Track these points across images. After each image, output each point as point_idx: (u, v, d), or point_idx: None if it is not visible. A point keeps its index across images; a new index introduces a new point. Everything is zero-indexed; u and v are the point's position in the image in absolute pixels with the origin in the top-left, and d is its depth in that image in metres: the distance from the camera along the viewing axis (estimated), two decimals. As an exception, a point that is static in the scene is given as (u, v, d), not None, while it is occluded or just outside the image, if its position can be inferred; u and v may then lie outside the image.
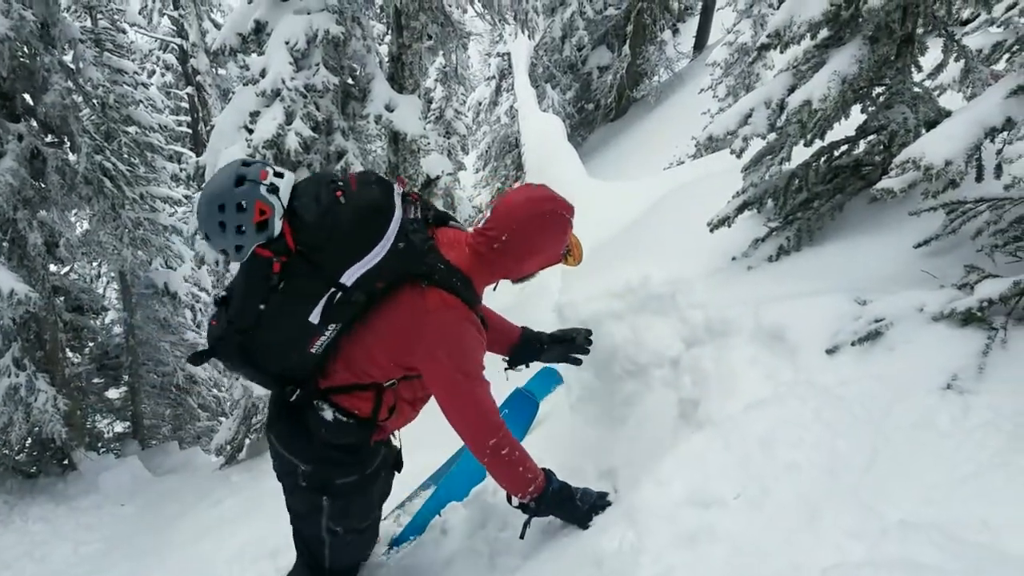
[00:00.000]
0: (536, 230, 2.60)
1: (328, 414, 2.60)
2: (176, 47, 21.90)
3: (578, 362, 3.44)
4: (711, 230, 3.49)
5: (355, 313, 2.52)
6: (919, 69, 3.18)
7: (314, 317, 2.43)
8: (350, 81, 7.49)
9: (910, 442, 2.25)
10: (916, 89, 3.06)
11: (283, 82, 6.67)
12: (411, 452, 5.16)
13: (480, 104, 20.36)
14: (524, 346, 3.31)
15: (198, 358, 2.57)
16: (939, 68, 3.20)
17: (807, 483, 2.18)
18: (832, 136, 3.45)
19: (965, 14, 3.23)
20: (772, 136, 3.41)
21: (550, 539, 3.10)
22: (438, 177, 11.89)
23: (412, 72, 7.61)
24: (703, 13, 20.27)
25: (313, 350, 2.52)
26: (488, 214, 2.64)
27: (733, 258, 3.50)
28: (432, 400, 2.70)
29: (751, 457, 2.31)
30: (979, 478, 2.05)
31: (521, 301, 9.35)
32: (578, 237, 2.84)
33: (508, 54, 18.43)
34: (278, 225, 2.36)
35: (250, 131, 6.77)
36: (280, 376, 2.62)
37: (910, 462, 2.19)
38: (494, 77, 19.67)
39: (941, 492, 2.06)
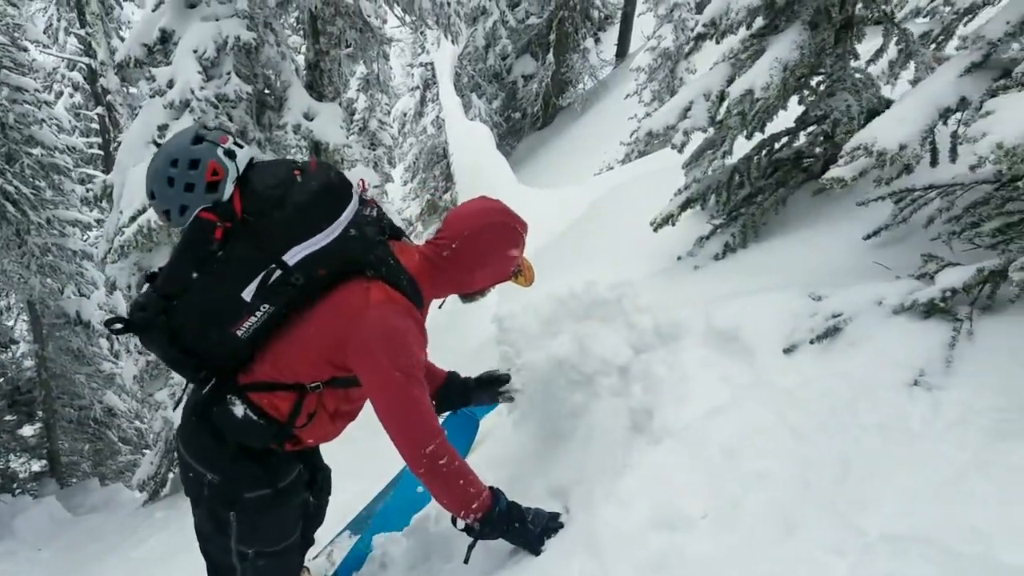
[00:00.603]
0: (487, 241, 2.50)
1: (239, 410, 2.40)
2: (84, 66, 20.97)
3: (511, 399, 3.39)
4: (655, 229, 3.33)
5: (290, 299, 2.35)
6: (856, 57, 3.09)
7: (247, 293, 2.27)
8: (265, 90, 7.13)
9: (882, 445, 2.11)
10: (857, 75, 2.96)
11: (192, 92, 6.27)
12: (344, 481, 4.89)
13: (405, 115, 20.04)
14: (451, 389, 3.28)
15: (114, 323, 2.36)
16: (879, 53, 3.12)
17: (779, 494, 2.02)
18: (771, 129, 3.34)
19: (900, -2, 3.16)
20: (712, 131, 3.28)
21: (499, 567, 2.88)
22: (365, 190, 11.59)
23: (332, 80, 7.30)
24: (623, 21, 20.45)
25: (239, 332, 2.33)
26: (442, 225, 2.57)
27: (678, 258, 3.35)
28: (361, 430, 2.56)
29: (716, 469, 2.14)
30: (961, 481, 1.91)
31: (455, 320, 9.14)
32: (530, 260, 2.79)
33: (431, 64, 18.19)
34: (229, 189, 2.27)
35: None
36: (197, 361, 2.41)
37: (884, 467, 2.05)
38: (418, 87, 19.38)
39: (922, 499, 1.91)
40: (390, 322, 2.29)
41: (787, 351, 2.53)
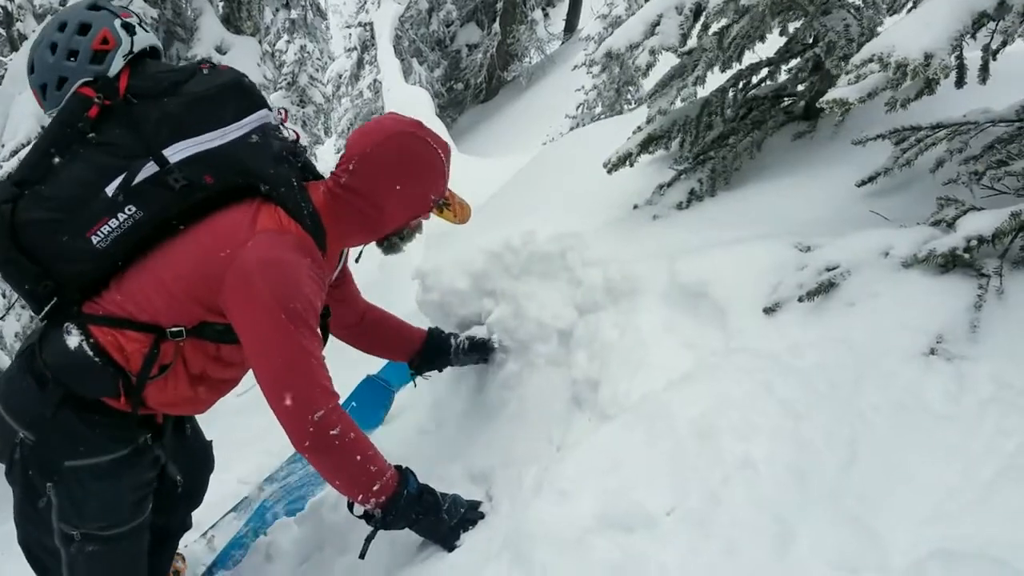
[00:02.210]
0: (390, 159, 2.02)
1: (72, 340, 1.93)
2: (0, 9, 19.42)
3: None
4: (609, 171, 2.82)
5: (163, 208, 1.93)
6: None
7: (111, 188, 1.87)
8: (173, 17, 6.36)
9: (896, 427, 1.64)
10: (858, -7, 2.50)
11: (88, 11, 5.50)
12: (243, 451, 4.29)
13: (340, 76, 19.08)
14: (435, 350, 2.96)
15: None
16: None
17: (769, 489, 1.53)
18: (749, 61, 2.86)
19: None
20: (682, 57, 2.77)
21: (403, 565, 2.36)
22: (292, 150, 10.85)
23: (251, 13, 6.57)
24: (573, -4, 19.94)
25: (93, 238, 1.88)
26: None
27: (635, 207, 2.85)
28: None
29: (686, 453, 1.64)
30: (1006, 479, 1.45)
31: (385, 277, 8.55)
32: (462, 197, 2.30)
33: (371, 24, 17.28)
34: (117, 64, 1.98)
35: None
36: (39, 269, 1.93)
37: (902, 456, 1.58)
38: (355, 48, 18.37)
39: (958, 501, 1.45)
40: (278, 253, 1.88)
41: (768, 311, 2.05)
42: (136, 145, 1.88)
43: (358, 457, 1.93)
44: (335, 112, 20.92)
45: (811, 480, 1.53)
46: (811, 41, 2.63)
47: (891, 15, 2.72)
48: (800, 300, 2.00)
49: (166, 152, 1.88)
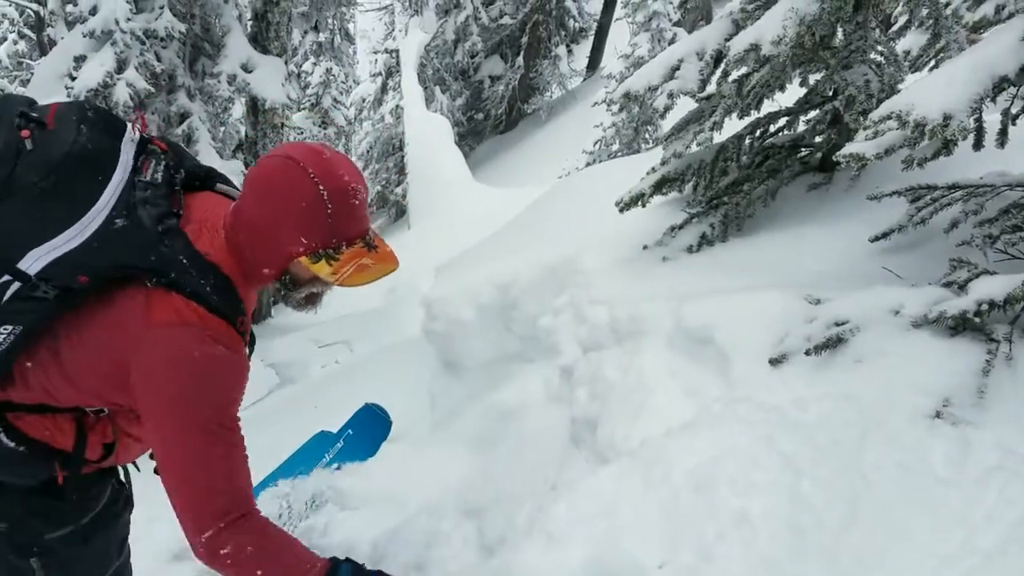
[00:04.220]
0: (262, 180, 1.69)
1: None
2: (32, 14, 19.78)
3: None
4: (621, 210, 2.81)
5: (45, 314, 1.66)
6: (881, 29, 2.64)
7: None
8: (201, 33, 6.44)
9: (898, 489, 1.60)
10: (880, 49, 2.50)
11: (117, 23, 5.56)
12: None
13: (364, 100, 19.28)
14: None
15: None
16: (903, 30, 2.67)
17: (764, 545, 1.49)
18: (768, 110, 2.86)
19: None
20: (700, 102, 2.78)
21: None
22: (311, 170, 10.89)
23: (279, 33, 6.64)
24: (598, 33, 20.10)
25: None
26: None
27: (644, 247, 2.83)
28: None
29: (681, 504, 1.61)
30: (1007, 549, 1.41)
31: (391, 305, 8.54)
32: (375, 250, 1.76)
33: (397, 51, 17.51)
34: None
35: (73, 79, 5.62)
36: None
37: (903, 518, 1.55)
38: (380, 74, 18.61)
39: (956, 568, 1.42)
40: (180, 356, 1.61)
41: (774, 362, 2.02)
42: None
43: (259, 572, 1.68)
44: (356, 136, 21.11)
45: (808, 537, 1.50)
46: (831, 94, 2.63)
47: (913, 72, 2.73)
48: (807, 353, 1.97)
49: (21, 265, 1.59)
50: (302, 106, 11.76)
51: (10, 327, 1.63)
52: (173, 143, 1.83)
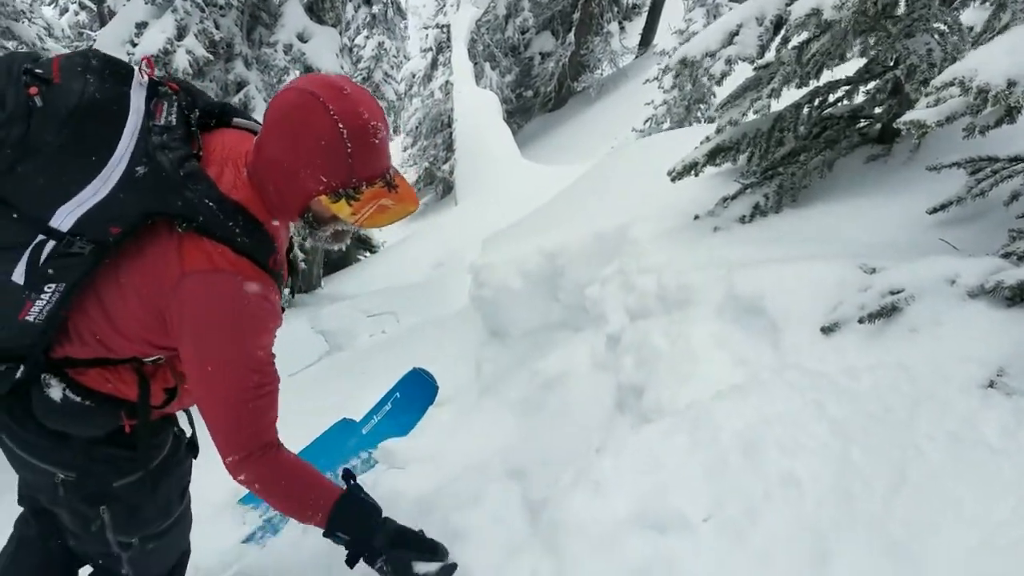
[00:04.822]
0: (279, 112, 1.66)
1: (55, 392, 1.77)
2: (94, -15, 20.26)
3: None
4: (673, 179, 2.80)
5: (83, 274, 1.67)
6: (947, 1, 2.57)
7: (17, 275, 1.62)
8: (259, 2, 6.52)
9: (949, 458, 1.58)
10: (946, 18, 2.43)
11: (177, -11, 5.68)
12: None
13: (414, 76, 19.35)
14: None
15: None
16: (964, 3, 2.59)
17: (811, 506, 1.49)
18: (826, 79, 2.81)
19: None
20: (756, 70, 2.75)
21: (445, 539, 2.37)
22: (360, 143, 10.97)
23: (333, 4, 6.71)
24: (651, 10, 19.83)
25: (30, 318, 1.69)
26: None
27: (696, 217, 2.82)
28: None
29: (728, 464, 1.61)
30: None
31: (441, 276, 8.62)
32: (393, 189, 1.74)
33: (448, 26, 17.52)
34: None
35: (134, 45, 5.76)
36: None
37: (953, 486, 1.53)
38: (431, 49, 18.64)
39: (1007, 536, 1.39)
40: (216, 302, 1.65)
41: (826, 330, 2.01)
42: (17, 226, 1.59)
43: (272, 501, 1.86)
44: (405, 112, 21.20)
45: (856, 502, 1.49)
46: (892, 63, 2.58)
47: (976, 47, 2.65)
48: (860, 322, 1.95)
49: (53, 223, 1.59)
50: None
51: (53, 285, 1.65)
52: (183, 82, 1.79)
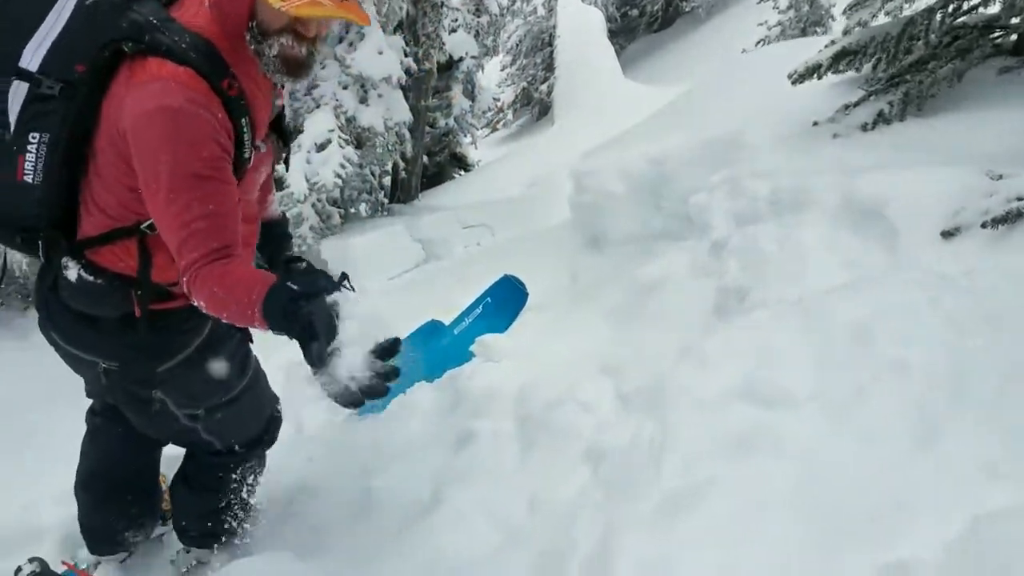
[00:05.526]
0: None
1: (72, 272, 1.82)
2: None
3: None
4: (794, 82, 2.73)
5: (65, 116, 1.69)
6: None
7: (8, 129, 1.67)
8: None
9: (1069, 358, 1.56)
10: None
11: None
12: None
13: (517, -9, 18.99)
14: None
15: None
16: None
17: (921, 390, 1.51)
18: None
19: None
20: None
21: (539, 427, 2.49)
22: (461, 59, 10.93)
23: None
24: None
25: (27, 178, 1.72)
26: None
27: (815, 123, 2.75)
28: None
29: (838, 348, 1.63)
30: None
31: (534, 194, 8.64)
32: None
33: (554, -60, 17.05)
34: None
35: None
36: (10, 225, 1.83)
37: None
38: (536, -36, 18.25)
39: None
40: (153, 101, 1.60)
41: (947, 235, 1.97)
42: None
43: (229, 302, 1.61)
44: (504, 30, 20.84)
45: (968, 388, 1.50)
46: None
47: None
48: (983, 227, 1.91)
49: (23, 64, 1.66)
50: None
51: (37, 135, 1.68)
52: None
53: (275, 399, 2.43)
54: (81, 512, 2.40)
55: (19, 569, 1.97)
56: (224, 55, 1.66)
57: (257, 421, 2.34)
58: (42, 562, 1.99)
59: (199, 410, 2.11)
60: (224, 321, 1.63)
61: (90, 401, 2.39)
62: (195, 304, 1.62)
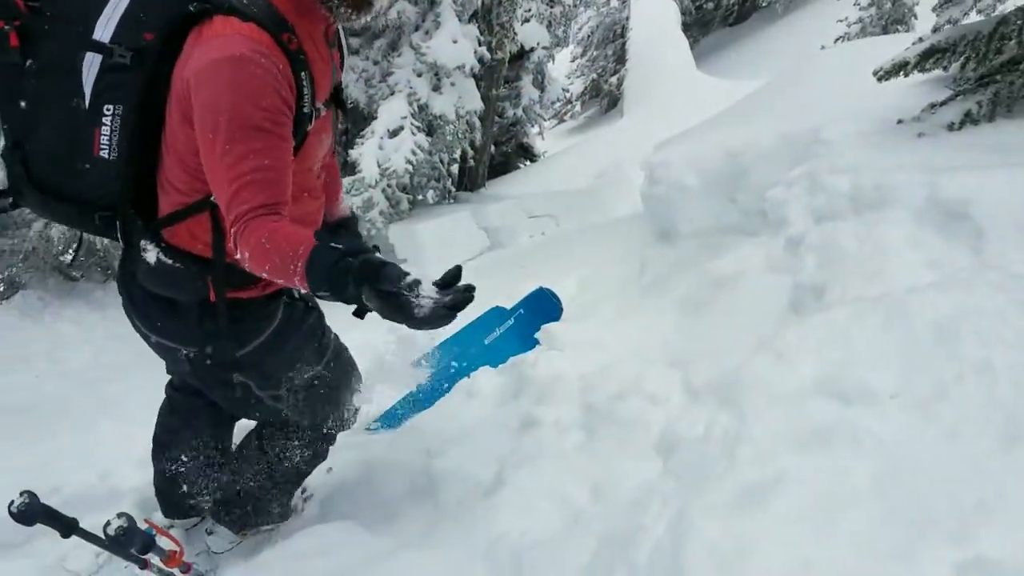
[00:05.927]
0: None
1: (151, 255, 1.86)
2: None
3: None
4: (879, 79, 2.67)
5: (134, 92, 1.74)
6: None
7: (80, 100, 1.73)
8: None
9: None
10: None
11: None
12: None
13: (591, -18, 18.92)
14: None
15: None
16: None
17: (1005, 393, 1.48)
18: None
19: None
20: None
21: (604, 415, 2.51)
22: (532, 49, 10.94)
23: None
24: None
25: (102, 154, 1.77)
26: None
27: (899, 121, 2.69)
28: None
29: (921, 346, 1.61)
30: None
31: (598, 187, 8.62)
32: None
33: (631, -69, 16.89)
34: None
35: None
36: (88, 204, 1.86)
37: None
38: (611, -45, 18.13)
39: None
40: (215, 55, 1.62)
41: (1037, 237, 1.91)
42: (71, 45, 1.71)
43: (266, 267, 1.62)
44: (575, 21, 20.76)
45: (1055, 394, 1.46)
46: None
47: None
48: (1076, 230, 1.85)
49: (96, 36, 1.70)
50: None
51: (111, 108, 1.73)
52: None
53: (358, 379, 2.47)
54: (156, 478, 2.54)
55: (108, 523, 2.09)
56: (285, 14, 1.70)
57: (334, 404, 2.38)
58: (129, 517, 2.11)
59: (280, 390, 2.18)
60: (263, 276, 1.64)
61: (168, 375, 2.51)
62: (238, 258, 1.64)
